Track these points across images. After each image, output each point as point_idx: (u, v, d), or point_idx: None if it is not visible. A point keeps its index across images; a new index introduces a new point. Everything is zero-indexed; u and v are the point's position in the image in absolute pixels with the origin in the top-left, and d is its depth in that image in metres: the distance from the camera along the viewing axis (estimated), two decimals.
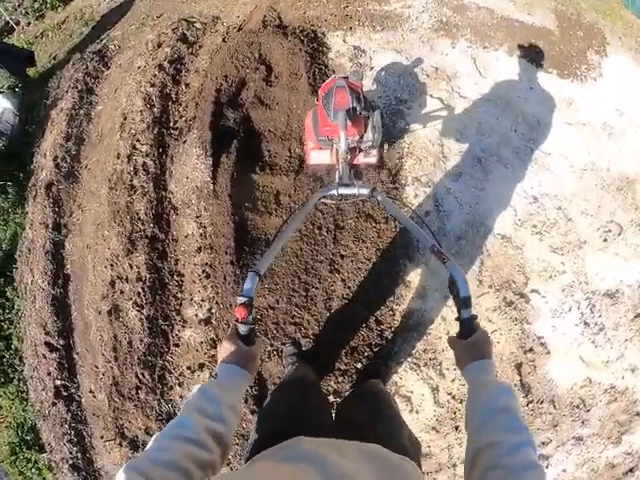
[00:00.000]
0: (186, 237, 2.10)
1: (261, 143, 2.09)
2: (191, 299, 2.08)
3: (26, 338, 2.34)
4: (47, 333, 2.28)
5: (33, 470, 2.14)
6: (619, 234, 2.05)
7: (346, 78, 1.66)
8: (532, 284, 2.00)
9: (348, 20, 2.53)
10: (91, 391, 2.15)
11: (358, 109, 1.55)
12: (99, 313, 2.20)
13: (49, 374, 2.19)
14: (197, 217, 2.07)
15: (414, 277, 1.99)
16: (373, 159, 1.79)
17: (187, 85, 2.45)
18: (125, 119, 2.44)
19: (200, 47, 2.60)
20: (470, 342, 0.79)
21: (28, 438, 2.17)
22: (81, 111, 2.73)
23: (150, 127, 2.31)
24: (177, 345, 2.09)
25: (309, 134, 1.73)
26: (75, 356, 2.23)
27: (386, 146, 2.18)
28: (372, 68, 2.37)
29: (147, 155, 2.24)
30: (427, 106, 2.27)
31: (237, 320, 0.80)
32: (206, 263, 2.03)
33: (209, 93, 2.28)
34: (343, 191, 1.42)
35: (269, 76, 2.29)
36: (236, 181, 1.97)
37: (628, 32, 2.53)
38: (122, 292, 2.16)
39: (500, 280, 2.02)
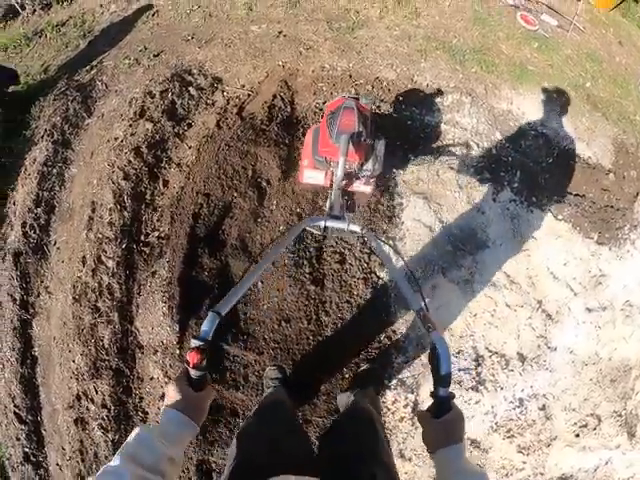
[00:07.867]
0: (151, 379, 1.97)
1: (237, 303, 1.81)
2: None
3: None
4: (16, 406, 2.24)
5: None
6: (594, 428, 1.87)
7: (356, 99, 1.51)
8: None
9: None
10: (58, 464, 2.19)
11: (364, 135, 1.41)
12: (65, 409, 2.18)
13: (18, 439, 2.21)
14: (162, 367, 1.92)
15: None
16: (368, 188, 1.69)
17: (165, 184, 2.04)
18: (93, 211, 2.11)
19: (189, 126, 2.10)
20: (445, 421, 0.73)
21: None
22: (54, 170, 2.34)
23: (118, 238, 1.99)
24: None
25: (306, 151, 1.64)
26: (43, 431, 2.23)
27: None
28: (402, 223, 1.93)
29: (113, 275, 1.98)
30: (442, 290, 1.89)
31: (189, 364, 0.73)
32: None
33: (187, 212, 1.91)
34: (331, 224, 1.24)
35: (260, 205, 1.88)
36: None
37: None
38: (88, 409, 2.12)
39: None
